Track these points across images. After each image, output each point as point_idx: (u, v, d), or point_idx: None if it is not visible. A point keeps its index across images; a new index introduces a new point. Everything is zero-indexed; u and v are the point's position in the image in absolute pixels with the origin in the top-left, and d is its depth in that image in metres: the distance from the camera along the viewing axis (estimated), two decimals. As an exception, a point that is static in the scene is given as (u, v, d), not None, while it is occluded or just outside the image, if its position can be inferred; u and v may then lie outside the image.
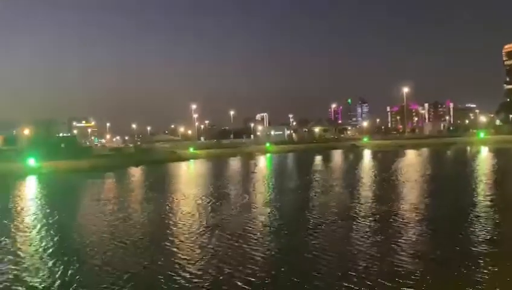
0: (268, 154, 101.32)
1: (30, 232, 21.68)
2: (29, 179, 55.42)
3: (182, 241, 18.41)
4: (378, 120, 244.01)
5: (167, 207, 28.10)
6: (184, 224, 21.97)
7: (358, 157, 78.81)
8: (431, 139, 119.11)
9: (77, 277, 13.95)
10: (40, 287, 13.32)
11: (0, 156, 77.97)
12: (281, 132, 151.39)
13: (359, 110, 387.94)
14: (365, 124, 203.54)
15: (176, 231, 20.66)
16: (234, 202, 29.16)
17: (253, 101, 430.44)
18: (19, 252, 17.44)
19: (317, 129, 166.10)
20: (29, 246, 18.76)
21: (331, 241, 17.55)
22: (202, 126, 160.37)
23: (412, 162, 60.99)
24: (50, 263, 15.67)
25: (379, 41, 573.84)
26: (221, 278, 13.46)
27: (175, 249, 17.09)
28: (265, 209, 25.88)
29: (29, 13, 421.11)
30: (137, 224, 22.73)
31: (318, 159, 75.59)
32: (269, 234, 19.25)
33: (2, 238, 19.88)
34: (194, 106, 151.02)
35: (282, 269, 14.22)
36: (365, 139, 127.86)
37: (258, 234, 19.12)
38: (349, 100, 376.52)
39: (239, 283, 12.86)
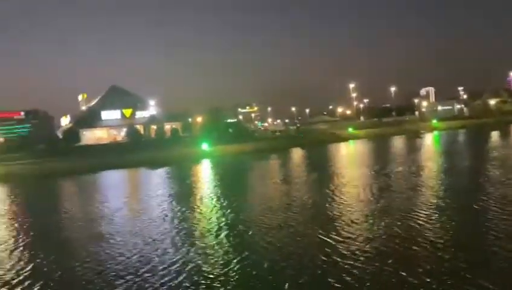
0: (435, 132, 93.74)
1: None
2: (204, 162, 60.77)
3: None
4: None
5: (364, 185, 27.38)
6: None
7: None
8: None
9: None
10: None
11: (179, 142, 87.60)
12: (449, 107, 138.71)
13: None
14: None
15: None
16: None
17: (416, 75, 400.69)
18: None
19: (493, 101, 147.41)
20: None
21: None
22: (361, 105, 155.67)
23: None
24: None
25: None
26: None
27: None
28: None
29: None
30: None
31: (496, 135, 66.50)
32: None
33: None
34: (352, 85, 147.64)
35: None
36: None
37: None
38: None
39: None
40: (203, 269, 13.36)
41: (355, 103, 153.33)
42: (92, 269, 14.24)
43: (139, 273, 13.35)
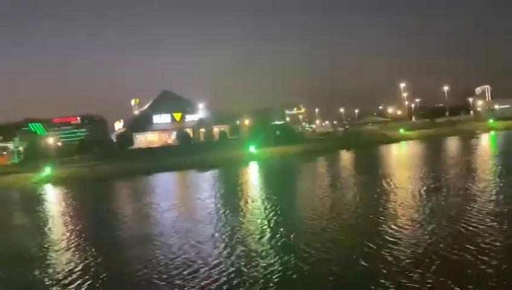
0: (492, 132, 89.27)
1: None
2: (251, 164, 61.19)
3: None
4: None
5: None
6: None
7: None
8: None
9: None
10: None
11: (227, 145, 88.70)
12: (507, 106, 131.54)
13: None
14: None
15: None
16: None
17: (471, 73, 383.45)
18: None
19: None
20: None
21: None
22: (413, 105, 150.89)
23: None
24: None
25: None
26: None
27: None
28: None
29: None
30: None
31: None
32: None
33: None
34: (403, 85, 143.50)
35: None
36: None
37: None
38: None
39: None
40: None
41: (406, 103, 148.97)
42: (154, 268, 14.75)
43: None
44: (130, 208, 31.22)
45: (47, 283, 14.45)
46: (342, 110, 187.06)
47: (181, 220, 23.54)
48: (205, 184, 41.94)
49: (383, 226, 17.66)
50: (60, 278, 14.74)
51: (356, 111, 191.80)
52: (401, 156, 57.76)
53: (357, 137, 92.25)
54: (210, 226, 20.84)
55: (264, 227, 19.72)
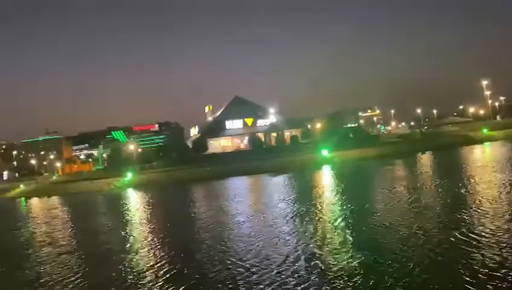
0: None
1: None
2: (325, 168, 60.27)
3: None
4: None
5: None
6: None
7: None
8: None
9: None
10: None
11: (299, 149, 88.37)
12: None
13: None
14: None
15: None
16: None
17: None
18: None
19: None
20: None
21: None
22: (497, 104, 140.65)
23: None
24: None
25: None
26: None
27: None
28: None
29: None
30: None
31: None
32: None
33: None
34: (485, 82, 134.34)
35: None
36: None
37: None
38: None
39: None
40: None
41: (490, 102, 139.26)
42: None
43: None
44: (215, 208, 31.87)
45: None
46: (419, 110, 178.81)
47: (253, 224, 23.53)
48: (277, 189, 41.86)
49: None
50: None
51: (434, 111, 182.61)
52: (487, 158, 53.60)
53: (436, 138, 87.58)
54: (287, 230, 20.61)
55: (348, 234, 19.15)
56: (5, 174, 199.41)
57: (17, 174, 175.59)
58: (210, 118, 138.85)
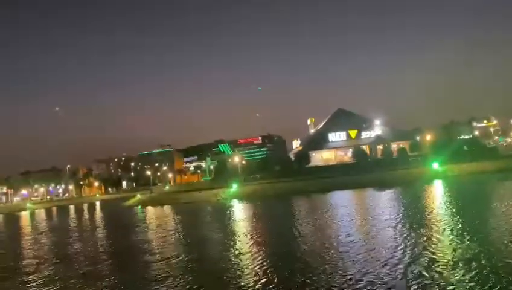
0: None
1: None
2: (436, 183, 56.43)
3: None
4: None
5: None
6: None
7: None
8: None
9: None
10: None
11: (407, 162, 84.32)
12: None
13: None
14: None
15: None
16: None
17: None
18: None
19: None
20: None
21: None
22: None
23: None
24: None
25: None
26: None
27: None
28: None
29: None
30: None
31: None
32: None
33: None
34: None
35: None
36: None
37: None
38: None
39: None
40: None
41: None
42: None
43: None
44: (322, 220, 31.54)
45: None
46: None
47: (354, 246, 22.66)
48: (384, 204, 39.78)
49: None
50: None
51: None
52: None
53: None
54: (394, 254, 19.54)
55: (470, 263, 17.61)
56: (124, 183, 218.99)
57: (134, 184, 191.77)
58: (312, 131, 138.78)
